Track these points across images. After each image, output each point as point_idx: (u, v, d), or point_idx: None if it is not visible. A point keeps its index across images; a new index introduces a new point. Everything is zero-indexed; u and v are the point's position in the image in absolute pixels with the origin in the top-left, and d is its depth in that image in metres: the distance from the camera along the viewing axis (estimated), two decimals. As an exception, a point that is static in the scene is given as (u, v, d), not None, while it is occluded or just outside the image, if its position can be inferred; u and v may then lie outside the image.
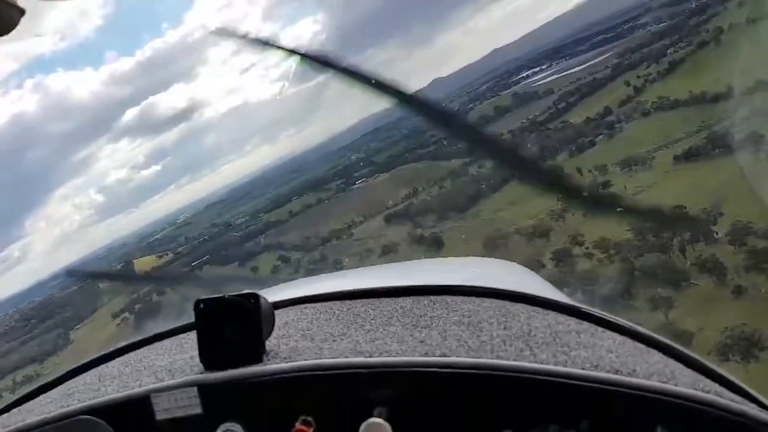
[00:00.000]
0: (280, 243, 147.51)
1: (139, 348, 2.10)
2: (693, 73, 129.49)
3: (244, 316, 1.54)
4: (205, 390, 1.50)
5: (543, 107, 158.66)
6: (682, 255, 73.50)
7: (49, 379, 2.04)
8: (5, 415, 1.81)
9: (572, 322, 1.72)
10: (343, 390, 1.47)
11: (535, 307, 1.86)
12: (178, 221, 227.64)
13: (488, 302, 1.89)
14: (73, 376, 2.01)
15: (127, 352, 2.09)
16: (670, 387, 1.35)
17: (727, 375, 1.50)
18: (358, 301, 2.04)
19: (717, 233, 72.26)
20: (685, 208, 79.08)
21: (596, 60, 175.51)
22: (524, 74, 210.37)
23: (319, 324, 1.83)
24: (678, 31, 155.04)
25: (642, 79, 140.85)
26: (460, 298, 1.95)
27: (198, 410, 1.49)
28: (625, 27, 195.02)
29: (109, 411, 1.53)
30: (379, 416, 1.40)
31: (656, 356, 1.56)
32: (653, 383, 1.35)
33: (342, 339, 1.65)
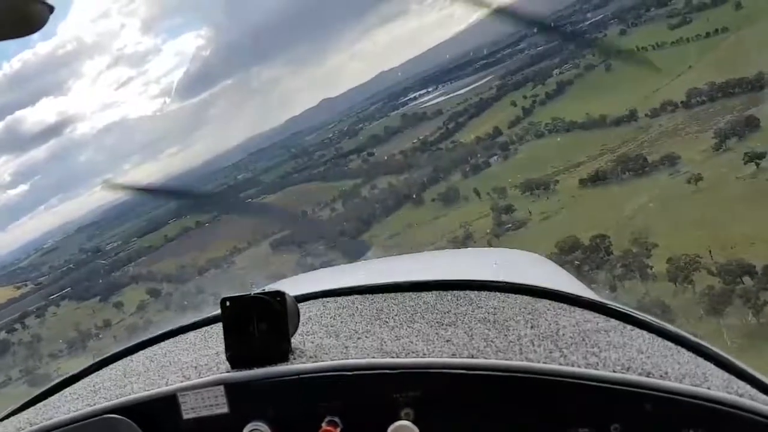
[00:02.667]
0: (151, 273, 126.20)
1: (162, 341, 2.02)
2: (585, 94, 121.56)
3: (271, 315, 1.49)
4: (231, 389, 1.45)
5: (433, 127, 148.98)
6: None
7: (73, 372, 1.95)
8: (31, 409, 1.76)
9: (600, 320, 1.64)
10: (369, 391, 1.41)
11: (562, 304, 1.76)
12: (45, 246, 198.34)
13: (513, 298, 1.81)
14: (98, 369, 1.95)
15: (150, 346, 2.01)
16: (702, 390, 1.29)
17: (759, 376, 1.42)
18: (380, 295, 1.96)
19: (651, 268, 58.92)
20: (607, 237, 66.12)
21: (481, 82, 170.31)
22: (412, 96, 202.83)
23: (343, 320, 1.76)
24: (559, 55, 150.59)
25: (530, 99, 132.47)
26: (485, 293, 1.86)
27: (225, 409, 1.45)
28: (504, 52, 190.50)
29: (136, 409, 1.48)
30: (406, 418, 1.36)
31: (686, 356, 1.49)
32: (686, 386, 1.30)
33: (367, 337, 1.59)
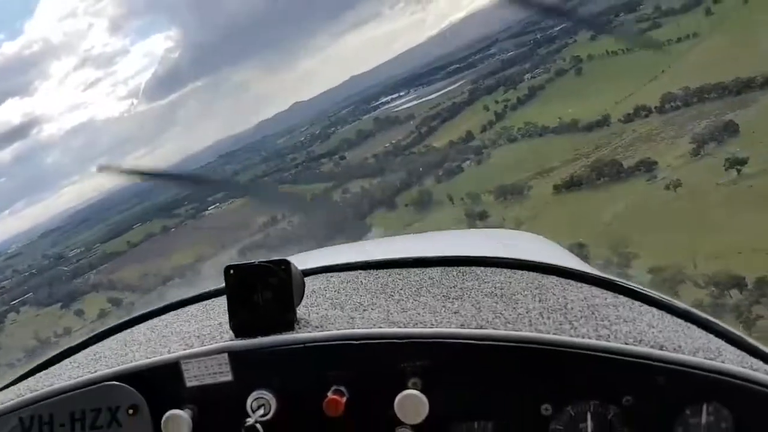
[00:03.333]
0: (113, 281, 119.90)
1: (164, 314, 2.00)
2: (557, 99, 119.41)
3: (276, 284, 1.46)
4: (236, 357, 1.43)
5: (405, 131, 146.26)
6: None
7: (74, 343, 1.94)
8: (32, 378, 1.75)
9: (608, 296, 1.61)
10: (377, 360, 1.39)
11: (568, 280, 1.74)
12: (9, 251, 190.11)
13: (519, 274, 1.78)
14: (98, 341, 1.93)
15: (151, 318, 1.99)
16: (717, 364, 1.27)
17: None
18: (385, 270, 1.93)
19: (632, 279, 55.56)
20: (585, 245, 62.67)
21: (453, 86, 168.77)
22: (384, 100, 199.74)
23: (347, 293, 1.73)
24: (529, 60, 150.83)
25: (502, 104, 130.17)
26: (491, 269, 1.83)
27: (229, 377, 1.43)
28: (476, 57, 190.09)
29: (138, 377, 1.46)
30: (414, 387, 1.34)
31: (697, 332, 1.47)
32: (700, 360, 1.28)
33: (373, 309, 1.57)
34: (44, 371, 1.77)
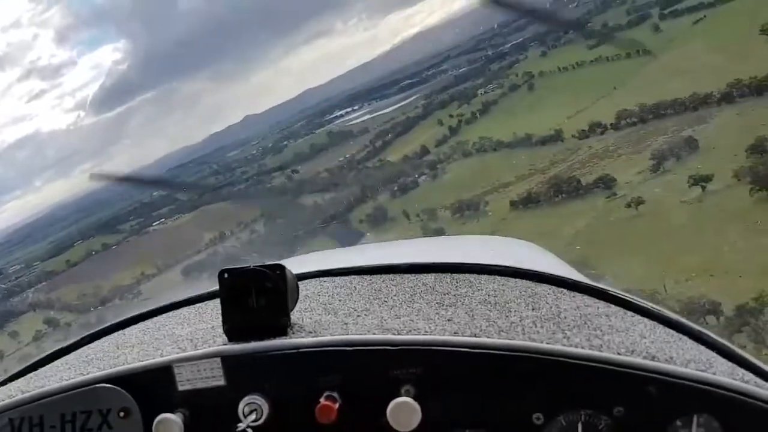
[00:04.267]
0: (50, 301, 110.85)
1: (156, 316, 1.96)
2: (511, 114, 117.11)
3: (270, 288, 1.44)
4: (228, 361, 1.41)
5: (359, 145, 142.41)
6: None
7: (65, 344, 1.91)
8: (22, 379, 1.71)
9: (601, 305, 1.59)
10: (369, 367, 1.37)
11: (561, 289, 1.71)
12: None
13: (512, 282, 1.75)
14: (89, 342, 1.89)
15: (143, 320, 1.95)
16: (708, 375, 1.26)
17: (761, 365, 1.39)
18: (378, 276, 1.90)
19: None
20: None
21: (407, 101, 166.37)
22: (338, 113, 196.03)
23: (341, 298, 1.71)
24: (482, 75, 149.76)
25: (456, 118, 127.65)
26: (484, 276, 1.80)
27: (221, 381, 1.41)
28: (429, 72, 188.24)
29: (130, 380, 1.44)
30: (406, 395, 1.32)
31: (689, 343, 1.45)
32: (691, 371, 1.27)
33: (366, 315, 1.55)
34: (34, 372, 1.74)
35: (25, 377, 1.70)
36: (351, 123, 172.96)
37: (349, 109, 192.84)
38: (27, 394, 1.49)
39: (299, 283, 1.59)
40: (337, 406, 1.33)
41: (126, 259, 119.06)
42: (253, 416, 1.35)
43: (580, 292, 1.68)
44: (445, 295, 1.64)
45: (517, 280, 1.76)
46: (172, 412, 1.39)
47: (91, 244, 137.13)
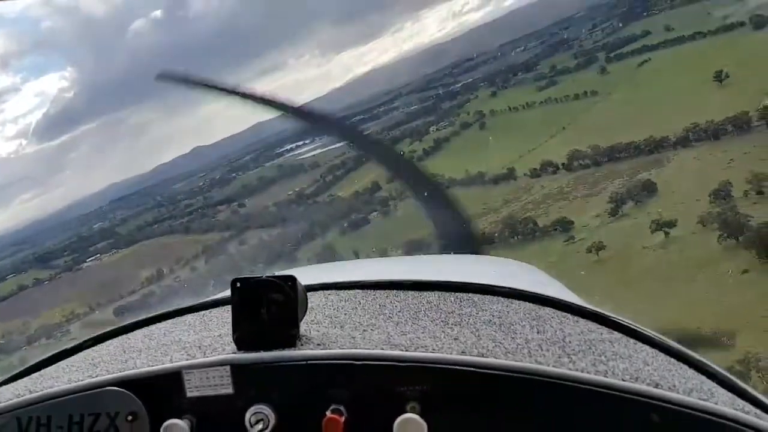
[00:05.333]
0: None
1: (160, 322, 1.95)
2: (463, 151, 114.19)
3: (281, 299, 1.43)
4: (237, 370, 1.40)
5: (310, 180, 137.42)
6: None
7: (68, 346, 1.88)
8: (28, 378, 1.69)
9: (604, 331, 1.60)
10: (377, 382, 1.35)
11: (565, 313, 1.71)
12: None
13: (517, 304, 1.76)
14: (94, 345, 1.88)
15: (148, 325, 1.94)
16: (710, 405, 1.25)
17: (760, 396, 1.39)
18: (382, 292, 1.88)
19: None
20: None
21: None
22: (289, 147, 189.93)
23: (347, 312, 1.70)
24: (433, 113, 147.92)
25: (408, 155, 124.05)
26: (488, 297, 1.80)
27: (229, 390, 1.39)
28: (381, 108, 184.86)
29: (139, 384, 1.42)
30: (412, 411, 1.31)
31: (689, 372, 1.45)
32: (694, 400, 1.26)
33: (373, 330, 1.54)
34: (39, 372, 1.72)
35: (29, 377, 1.68)
36: (302, 157, 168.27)
37: (300, 143, 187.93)
38: (35, 394, 1.47)
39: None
40: (343, 419, 1.31)
41: (57, 295, 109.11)
42: (259, 426, 1.34)
43: (584, 317, 1.66)
44: (449, 313, 1.63)
45: (520, 302, 1.74)
46: (179, 418, 1.38)
47: (23, 278, 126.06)
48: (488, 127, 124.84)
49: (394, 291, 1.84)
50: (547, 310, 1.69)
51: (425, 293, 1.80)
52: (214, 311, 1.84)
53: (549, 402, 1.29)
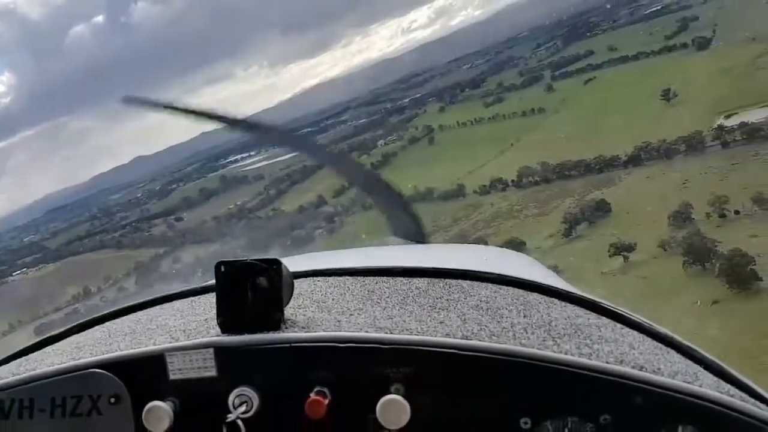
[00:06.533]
0: None
1: (148, 307, 1.92)
2: (411, 166, 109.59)
3: (265, 282, 1.40)
4: (221, 353, 1.39)
5: (253, 192, 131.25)
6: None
7: (55, 332, 1.85)
8: (14, 362, 1.68)
9: (591, 316, 1.58)
10: (361, 364, 1.36)
11: (552, 299, 1.70)
12: None
13: (505, 290, 1.73)
14: (80, 331, 1.84)
15: (136, 311, 1.91)
16: (695, 388, 1.26)
17: (746, 380, 1.39)
18: (372, 278, 1.86)
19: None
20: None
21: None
22: (233, 158, 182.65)
23: (334, 297, 1.68)
24: (382, 127, 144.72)
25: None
26: (477, 283, 1.78)
27: (213, 372, 1.39)
28: (328, 122, 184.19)
29: (122, 366, 1.41)
30: (396, 393, 1.31)
31: (676, 356, 1.44)
32: (678, 383, 1.27)
33: (359, 314, 1.53)
34: (25, 356, 1.69)
35: (15, 361, 1.67)
36: (246, 168, 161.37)
37: (245, 155, 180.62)
38: (17, 377, 1.46)
39: (294, 280, 1.57)
40: (327, 401, 1.32)
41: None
42: (243, 408, 1.34)
43: (572, 302, 1.66)
44: (437, 299, 1.62)
45: (509, 288, 1.74)
46: (162, 400, 1.38)
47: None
48: (437, 142, 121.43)
49: (384, 277, 1.82)
50: (535, 296, 1.68)
51: (414, 279, 1.78)
52: (203, 297, 1.80)
53: (533, 384, 1.30)
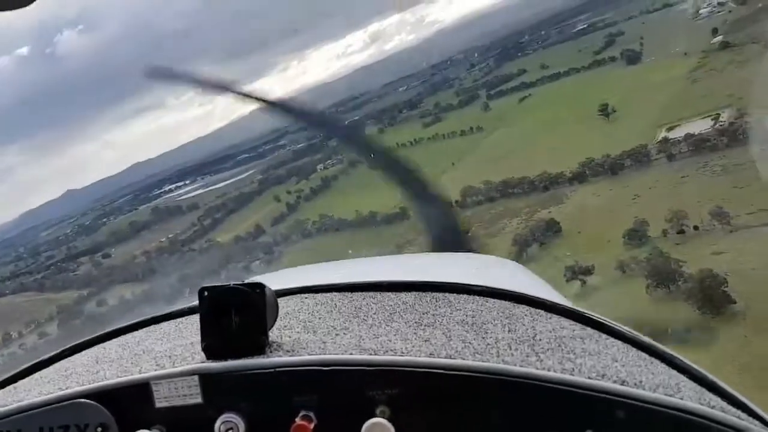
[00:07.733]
0: None
1: (135, 330, 1.89)
2: (352, 190, 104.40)
3: (250, 306, 1.38)
4: (206, 379, 1.37)
5: (187, 223, 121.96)
6: None
7: (44, 357, 1.83)
8: (1, 391, 1.65)
9: (576, 328, 1.57)
10: (346, 387, 1.34)
11: (539, 310, 1.69)
12: None
13: (491, 303, 1.72)
14: (69, 356, 1.82)
15: (123, 334, 1.88)
16: (676, 400, 1.24)
17: (729, 389, 1.38)
18: (359, 293, 1.86)
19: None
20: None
21: (242, 176, 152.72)
22: (167, 188, 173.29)
23: (321, 316, 1.67)
24: (321, 151, 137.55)
25: (294, 194, 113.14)
26: (463, 296, 1.77)
27: (198, 399, 1.36)
28: (266, 147, 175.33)
29: (108, 395, 1.39)
30: (381, 416, 1.29)
31: (659, 367, 1.43)
32: (659, 396, 1.25)
33: (345, 333, 1.52)
34: (13, 385, 1.67)
35: (2, 390, 1.65)
36: (180, 198, 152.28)
37: (180, 184, 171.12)
38: (5, 408, 1.44)
39: (280, 299, 1.56)
40: (312, 425, 1.29)
41: None
42: None
43: (557, 314, 1.65)
44: (424, 314, 1.60)
45: (495, 300, 1.72)
46: (148, 428, 1.36)
47: None
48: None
49: (371, 293, 1.81)
50: (522, 308, 1.67)
51: (402, 294, 1.78)
52: (190, 318, 1.78)
53: (516, 401, 1.29)
